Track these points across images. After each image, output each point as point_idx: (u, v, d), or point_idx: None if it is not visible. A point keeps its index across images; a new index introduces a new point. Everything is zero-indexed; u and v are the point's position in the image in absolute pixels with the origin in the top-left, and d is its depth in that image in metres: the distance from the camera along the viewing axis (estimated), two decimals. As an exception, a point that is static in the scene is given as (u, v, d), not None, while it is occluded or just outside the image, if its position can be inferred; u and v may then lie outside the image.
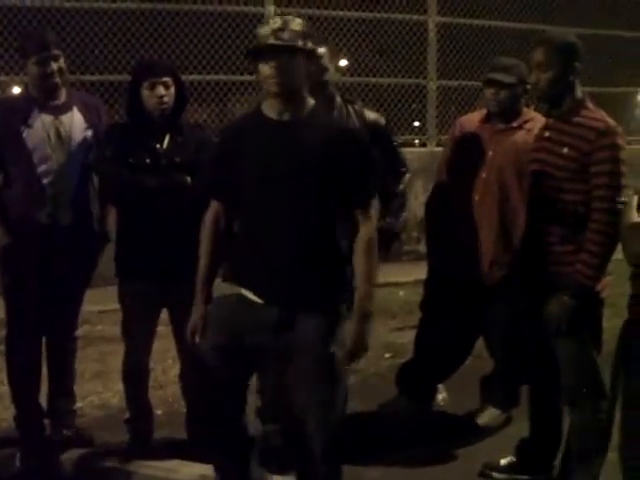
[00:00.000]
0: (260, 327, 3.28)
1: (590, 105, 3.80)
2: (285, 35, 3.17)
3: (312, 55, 3.36)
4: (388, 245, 4.65)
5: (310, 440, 3.33)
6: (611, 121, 3.74)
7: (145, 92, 4.18)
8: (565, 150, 3.72)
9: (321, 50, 4.32)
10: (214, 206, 3.47)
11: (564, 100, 3.78)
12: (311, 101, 3.34)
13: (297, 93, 3.27)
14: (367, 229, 3.32)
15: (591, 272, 3.69)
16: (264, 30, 3.21)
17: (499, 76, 4.42)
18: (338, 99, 4.55)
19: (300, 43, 3.22)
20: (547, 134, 3.86)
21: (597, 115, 3.75)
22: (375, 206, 3.47)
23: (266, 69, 3.19)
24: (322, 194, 3.26)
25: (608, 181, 3.63)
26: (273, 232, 3.27)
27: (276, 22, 3.22)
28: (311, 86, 3.38)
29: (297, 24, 3.24)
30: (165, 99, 4.17)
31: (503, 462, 4.24)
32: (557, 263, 3.81)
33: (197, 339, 3.44)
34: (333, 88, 4.54)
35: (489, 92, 4.48)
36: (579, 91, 3.81)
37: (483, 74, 4.59)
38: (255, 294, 3.32)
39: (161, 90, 4.16)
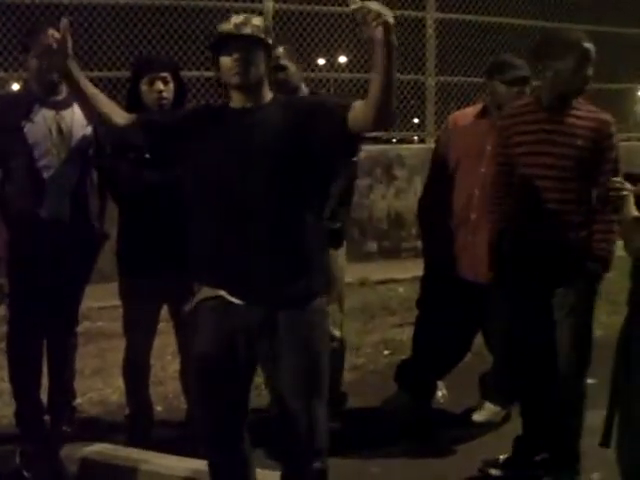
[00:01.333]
0: (244, 328, 3.26)
1: (580, 99, 3.99)
2: (247, 29, 3.19)
3: (272, 50, 3.35)
4: (337, 244, 4.61)
5: (295, 437, 3.32)
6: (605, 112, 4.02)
7: (144, 88, 4.19)
8: (579, 142, 3.87)
9: (279, 50, 4.39)
10: (135, 116, 3.41)
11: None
12: (270, 93, 3.32)
13: (258, 85, 3.25)
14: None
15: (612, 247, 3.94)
16: (226, 25, 3.22)
17: (524, 72, 4.46)
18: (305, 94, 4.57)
19: (262, 36, 3.23)
20: (548, 127, 3.93)
21: (592, 107, 3.99)
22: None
23: (228, 61, 3.19)
24: (295, 174, 3.19)
25: (614, 166, 3.91)
26: (245, 225, 3.18)
27: (238, 18, 3.23)
28: (271, 84, 3.37)
29: (258, 20, 3.26)
30: (164, 94, 4.18)
31: (502, 458, 4.26)
32: (572, 249, 3.93)
33: None
34: (297, 85, 4.53)
35: (513, 90, 4.46)
36: None
37: (503, 74, 4.53)
38: (233, 295, 3.25)
39: (160, 85, 4.16)
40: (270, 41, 3.28)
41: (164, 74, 4.19)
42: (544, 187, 3.93)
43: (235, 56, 3.17)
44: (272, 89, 3.34)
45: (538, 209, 3.97)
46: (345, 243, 4.79)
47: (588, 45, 3.88)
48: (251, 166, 3.17)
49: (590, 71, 3.89)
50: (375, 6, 3.01)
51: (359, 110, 3.10)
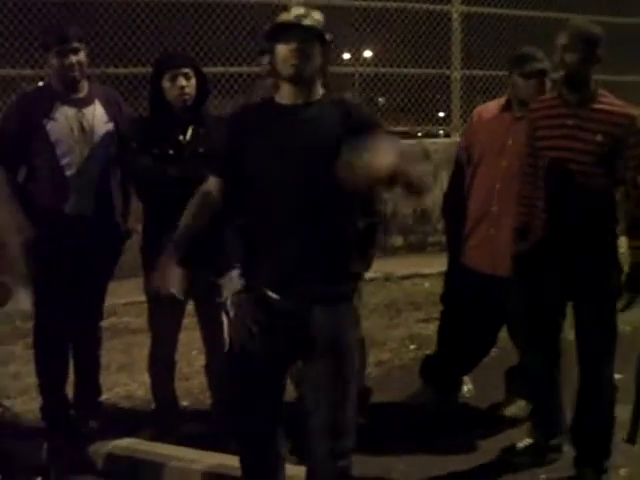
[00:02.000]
0: (282, 320, 3.27)
1: (604, 92, 3.97)
2: (307, 20, 3.15)
3: (329, 46, 3.31)
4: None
5: (321, 436, 3.31)
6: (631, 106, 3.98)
7: (166, 84, 4.19)
8: (599, 137, 3.85)
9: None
10: (212, 179, 3.40)
11: (582, 86, 3.92)
12: (322, 90, 3.27)
13: (311, 80, 3.21)
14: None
15: None
16: (286, 15, 3.18)
17: (542, 65, 4.42)
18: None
19: (321, 30, 3.19)
20: (570, 122, 3.92)
21: (616, 101, 3.94)
22: None
23: (285, 51, 3.14)
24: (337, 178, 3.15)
25: (638, 163, 3.87)
26: (285, 223, 3.20)
27: (298, 9, 3.19)
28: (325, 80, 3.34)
29: (318, 14, 3.22)
30: (186, 90, 4.18)
31: (520, 445, 4.34)
32: (593, 245, 3.96)
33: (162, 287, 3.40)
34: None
35: (532, 82, 4.42)
36: (592, 82, 3.94)
37: (522, 67, 4.49)
38: (270, 290, 3.28)
39: (182, 81, 4.17)
40: (328, 37, 3.23)
41: (186, 70, 4.20)
42: (566, 182, 3.93)
43: (293, 46, 3.12)
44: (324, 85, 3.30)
45: (560, 204, 3.97)
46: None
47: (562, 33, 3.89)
48: (295, 166, 3.16)
49: (568, 57, 3.84)
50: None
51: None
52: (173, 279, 3.41)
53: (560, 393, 4.26)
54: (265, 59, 4.43)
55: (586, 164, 3.89)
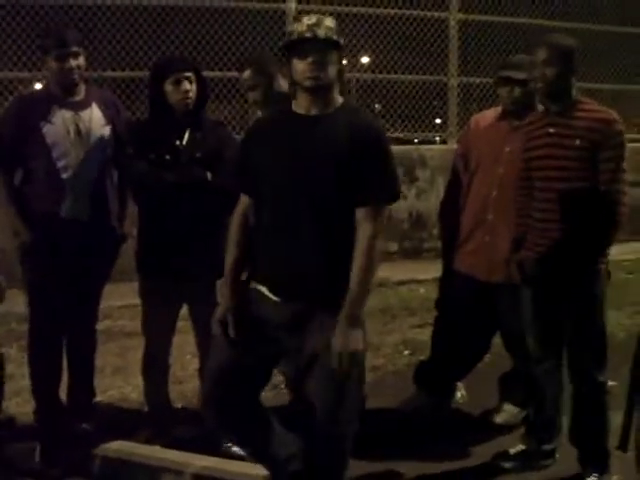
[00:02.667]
0: (276, 324, 3.29)
1: (586, 99, 4.07)
2: (321, 31, 3.17)
3: (343, 52, 3.34)
4: None
5: (317, 432, 3.34)
6: (610, 110, 4.04)
7: (169, 87, 4.19)
8: (577, 142, 3.93)
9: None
10: (244, 200, 3.46)
11: (563, 97, 4.02)
12: (339, 98, 3.33)
13: (328, 89, 3.26)
14: (372, 229, 3.22)
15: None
16: (299, 26, 3.19)
17: (511, 73, 4.43)
18: None
19: (335, 38, 3.22)
20: (552, 130, 4.04)
21: (597, 107, 4.04)
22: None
23: (301, 64, 3.18)
24: (344, 189, 3.22)
25: (616, 165, 3.93)
26: (293, 227, 3.26)
27: (310, 19, 3.21)
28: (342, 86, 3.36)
29: (330, 21, 3.24)
30: (190, 94, 4.19)
31: (512, 451, 4.37)
32: (580, 249, 3.98)
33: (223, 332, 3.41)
34: None
35: (503, 90, 4.49)
36: (575, 90, 4.03)
37: (498, 73, 4.57)
38: (271, 291, 3.33)
39: (186, 85, 4.18)
40: (342, 42, 3.26)
41: (189, 73, 4.21)
42: (553, 189, 4.02)
43: (309, 60, 3.16)
44: (342, 92, 3.34)
45: (548, 211, 4.04)
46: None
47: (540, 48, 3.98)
48: (303, 174, 3.22)
49: (548, 71, 3.93)
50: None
51: (359, 221, 3.24)
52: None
53: (558, 398, 4.30)
54: (247, 73, 4.46)
55: (569, 169, 3.97)
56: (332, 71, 3.22)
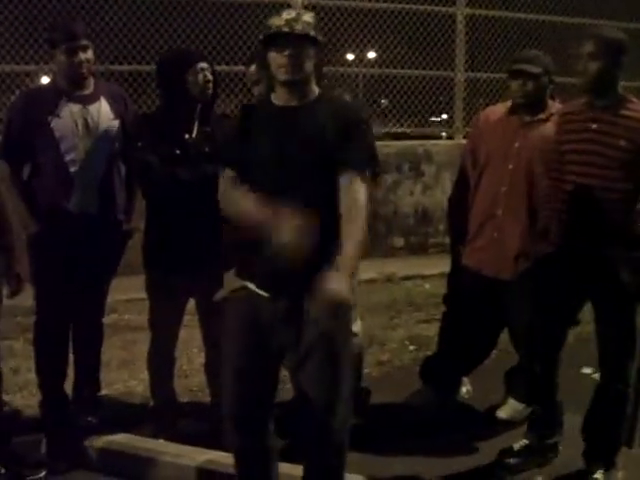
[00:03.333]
0: (271, 319, 3.29)
1: (635, 99, 3.98)
2: (299, 25, 3.19)
3: (322, 47, 3.35)
4: None
5: (315, 430, 3.35)
6: None
7: (191, 78, 4.17)
8: (622, 142, 3.86)
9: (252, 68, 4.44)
10: (228, 174, 3.38)
11: (609, 92, 3.94)
12: (317, 89, 3.33)
13: (305, 83, 3.27)
14: (357, 190, 3.17)
15: None
16: (277, 20, 3.22)
17: (525, 66, 4.40)
18: None
19: (313, 33, 3.23)
20: (594, 126, 3.95)
21: None
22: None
23: (278, 57, 3.21)
24: (329, 178, 3.21)
25: None
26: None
27: (290, 13, 3.24)
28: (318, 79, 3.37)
29: (309, 16, 3.27)
30: (210, 84, 4.21)
31: (516, 447, 4.35)
32: (613, 250, 3.96)
33: None
34: None
35: (515, 83, 4.45)
36: (620, 87, 3.96)
37: (507, 67, 4.56)
38: (260, 288, 3.30)
39: (208, 75, 4.19)
40: (320, 38, 3.28)
41: (207, 65, 4.23)
42: (589, 185, 3.95)
43: (285, 53, 3.19)
44: (319, 84, 3.35)
45: (582, 208, 3.99)
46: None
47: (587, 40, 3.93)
48: (288, 166, 3.21)
49: (594, 65, 3.87)
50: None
51: (342, 191, 3.18)
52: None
53: (558, 394, 4.30)
54: (253, 67, 4.45)
55: (608, 168, 3.90)
56: (309, 65, 3.24)
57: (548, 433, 4.37)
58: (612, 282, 3.99)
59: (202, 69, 4.19)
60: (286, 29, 3.19)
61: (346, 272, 3.08)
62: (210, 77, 4.20)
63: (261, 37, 3.30)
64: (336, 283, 3.01)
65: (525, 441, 4.38)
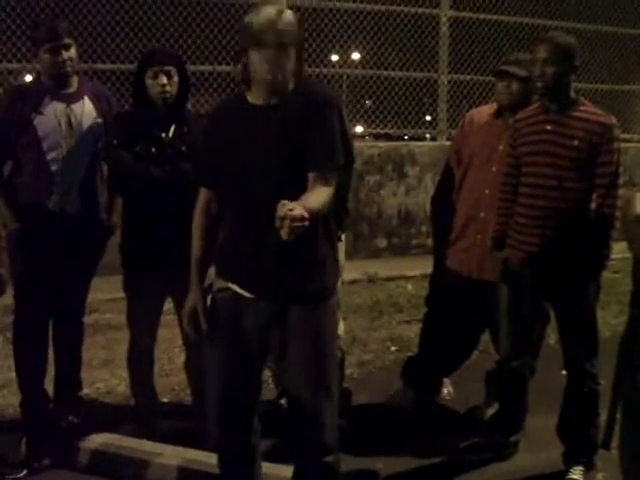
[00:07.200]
0: (255, 320, 3.28)
1: (585, 101, 4.11)
2: (280, 25, 3.11)
3: (302, 46, 3.30)
4: None
5: (303, 431, 3.34)
6: (610, 115, 4.08)
7: (148, 81, 4.19)
8: (576, 142, 3.96)
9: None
10: (204, 192, 3.41)
11: (563, 96, 4.04)
12: (291, 84, 3.24)
13: (286, 83, 3.21)
14: (320, 187, 3.11)
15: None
16: (259, 19, 3.12)
17: (512, 68, 4.43)
18: None
19: (294, 36, 3.15)
20: (549, 127, 4.05)
21: (597, 110, 4.07)
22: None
23: (259, 58, 3.12)
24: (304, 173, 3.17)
25: (615, 169, 3.99)
26: (258, 221, 3.18)
27: (270, 13, 3.13)
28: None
29: (290, 14, 3.18)
30: (167, 88, 4.18)
31: (480, 442, 4.50)
32: (571, 248, 4.02)
33: (196, 326, 3.40)
34: None
35: (501, 85, 4.49)
36: (572, 90, 4.08)
37: (495, 68, 4.59)
38: (242, 288, 3.28)
39: (163, 79, 4.17)
40: (301, 37, 3.22)
41: (168, 68, 4.19)
42: (545, 185, 4.04)
43: (267, 54, 3.12)
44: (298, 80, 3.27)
45: (537, 208, 4.05)
46: (344, 243, 4.72)
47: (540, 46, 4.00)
48: (267, 165, 3.17)
49: (548, 70, 3.94)
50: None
51: (310, 183, 3.13)
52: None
53: (527, 394, 4.39)
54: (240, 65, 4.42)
55: (563, 168, 3.99)
56: (289, 66, 3.17)
57: (514, 430, 4.46)
58: (570, 283, 4.08)
59: (160, 72, 4.16)
60: (270, 35, 3.09)
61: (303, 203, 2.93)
62: (165, 81, 4.17)
63: (241, 37, 3.21)
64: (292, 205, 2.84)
65: (488, 438, 4.47)
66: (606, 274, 4.11)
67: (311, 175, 3.14)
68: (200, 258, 3.43)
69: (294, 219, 2.73)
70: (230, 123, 3.30)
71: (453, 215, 4.72)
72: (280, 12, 3.16)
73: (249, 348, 3.32)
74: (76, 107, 4.38)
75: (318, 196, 3.09)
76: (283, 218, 2.74)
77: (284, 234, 2.76)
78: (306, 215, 2.77)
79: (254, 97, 3.25)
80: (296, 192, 3.10)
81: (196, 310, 3.39)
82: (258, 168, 3.19)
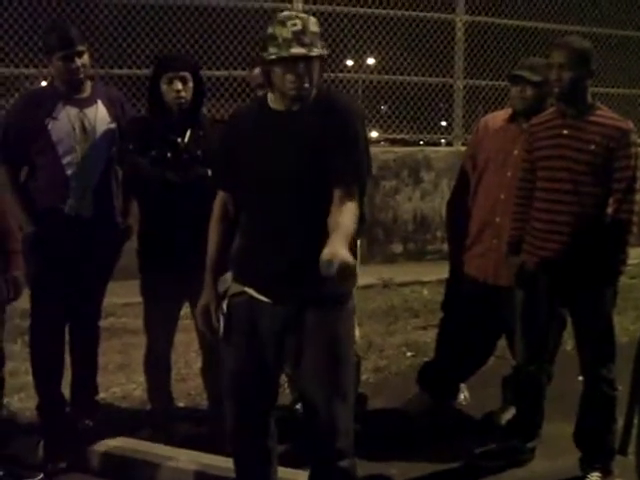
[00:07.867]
0: (271, 325, 3.28)
1: (601, 105, 4.11)
2: (307, 39, 3.08)
3: (325, 59, 3.27)
4: None
5: (319, 435, 3.33)
6: (627, 120, 4.08)
7: (163, 86, 4.21)
8: (592, 147, 3.95)
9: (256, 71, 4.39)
10: (221, 195, 3.43)
11: (579, 101, 4.04)
12: (314, 90, 3.22)
13: (310, 91, 3.18)
14: (345, 205, 3.08)
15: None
16: (284, 32, 3.08)
17: (526, 73, 4.43)
18: None
19: (319, 46, 3.13)
20: (566, 132, 4.03)
21: (614, 115, 4.06)
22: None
23: (287, 75, 3.10)
24: (325, 181, 3.14)
25: (632, 174, 3.97)
26: (277, 226, 3.21)
27: (295, 24, 3.09)
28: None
29: (314, 24, 3.14)
30: (182, 94, 4.20)
31: (497, 448, 4.45)
32: (588, 253, 4.01)
33: (209, 325, 3.41)
34: None
35: (515, 89, 4.49)
36: (589, 95, 4.07)
37: (510, 72, 4.59)
38: (259, 292, 3.28)
39: (178, 85, 4.19)
40: (325, 52, 3.17)
41: (183, 73, 4.21)
42: (561, 190, 4.02)
43: (294, 70, 3.08)
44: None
45: (553, 212, 4.05)
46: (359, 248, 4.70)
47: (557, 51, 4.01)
48: (287, 171, 3.17)
49: (565, 75, 3.94)
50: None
51: (334, 200, 3.11)
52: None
53: (540, 400, 4.36)
54: (256, 71, 4.43)
55: (579, 173, 3.98)
56: (316, 78, 3.15)
57: (531, 436, 4.42)
58: (587, 288, 4.06)
59: (175, 78, 4.18)
60: (295, 46, 3.05)
61: (340, 236, 2.95)
62: (180, 87, 4.18)
63: (261, 47, 3.17)
64: (333, 247, 2.88)
65: (504, 443, 4.44)
66: (623, 279, 4.10)
67: (337, 191, 3.11)
68: (215, 258, 3.43)
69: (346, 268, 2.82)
70: (249, 127, 3.30)
71: (468, 220, 4.72)
72: (305, 23, 3.11)
73: (265, 352, 3.31)
74: (89, 112, 4.39)
75: (348, 220, 3.07)
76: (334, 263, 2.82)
77: (332, 273, 2.84)
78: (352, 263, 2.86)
79: (275, 102, 3.24)
80: (313, 198, 3.11)
81: (209, 309, 3.40)
82: (275, 173, 3.19)
